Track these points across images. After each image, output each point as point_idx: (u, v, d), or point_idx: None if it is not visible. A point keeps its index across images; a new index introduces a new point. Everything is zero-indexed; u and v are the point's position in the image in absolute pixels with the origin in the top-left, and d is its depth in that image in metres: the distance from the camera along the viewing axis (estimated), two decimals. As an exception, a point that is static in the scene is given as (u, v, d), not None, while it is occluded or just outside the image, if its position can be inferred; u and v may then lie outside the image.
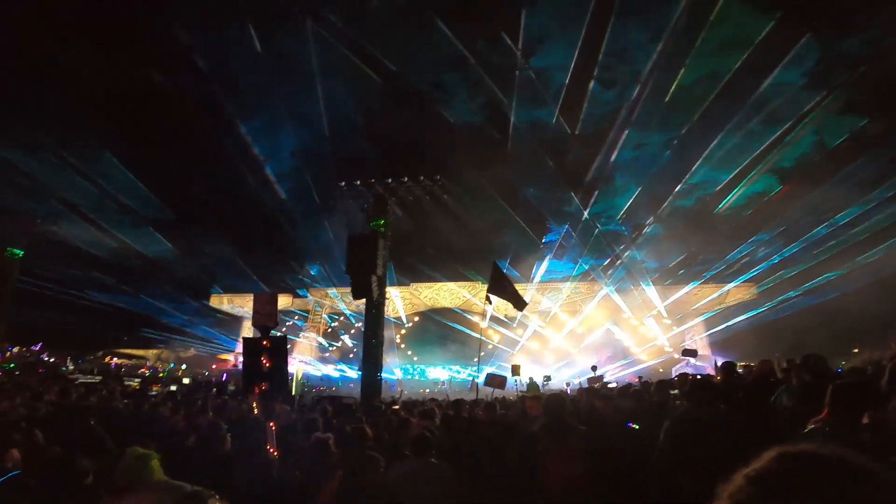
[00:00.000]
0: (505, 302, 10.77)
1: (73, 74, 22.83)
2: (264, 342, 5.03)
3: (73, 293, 26.70)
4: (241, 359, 31.80)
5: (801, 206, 21.88)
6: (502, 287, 10.16)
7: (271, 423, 4.69)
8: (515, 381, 15.87)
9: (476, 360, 12.30)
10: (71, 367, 25.06)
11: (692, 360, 15.01)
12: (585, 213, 26.27)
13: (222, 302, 34.45)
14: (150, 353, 35.25)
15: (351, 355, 31.40)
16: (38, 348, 25.23)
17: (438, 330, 30.75)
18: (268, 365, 4.87)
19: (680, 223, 25.45)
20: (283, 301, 31.63)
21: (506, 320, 30.46)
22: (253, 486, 3.94)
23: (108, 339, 32.32)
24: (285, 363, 5.15)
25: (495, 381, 10.24)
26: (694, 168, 22.93)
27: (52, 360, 26.59)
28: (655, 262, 26.88)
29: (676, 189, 23.94)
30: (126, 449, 2.88)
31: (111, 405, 8.76)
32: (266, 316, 5.51)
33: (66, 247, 25.86)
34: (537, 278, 29.59)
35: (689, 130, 22.00)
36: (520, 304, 10.71)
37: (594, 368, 16.84)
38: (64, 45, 21.45)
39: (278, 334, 5.40)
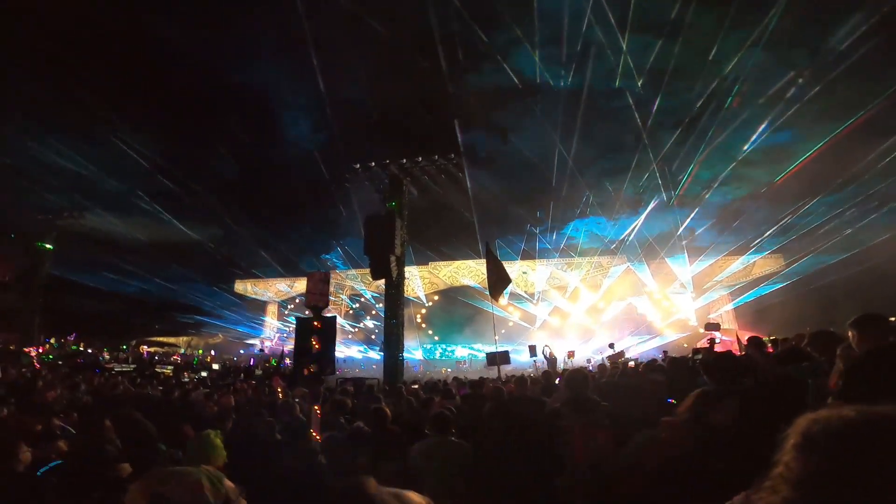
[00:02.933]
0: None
1: (91, 63, 23.05)
2: (315, 323, 4.90)
3: (103, 283, 27.61)
4: (266, 344, 32.59)
5: (835, 170, 20.83)
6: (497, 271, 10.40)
7: (317, 407, 4.63)
8: (533, 360, 15.93)
9: (496, 338, 12.37)
10: (107, 357, 25.98)
11: (717, 334, 14.63)
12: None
13: (246, 288, 35.20)
14: (181, 340, 36.38)
15: (373, 336, 31.81)
16: (72, 338, 26.18)
17: (458, 308, 30.79)
18: (317, 346, 4.76)
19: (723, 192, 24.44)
20: (304, 284, 32.04)
21: (526, 296, 30.32)
22: (296, 471, 3.91)
23: (140, 327, 33.42)
24: (333, 345, 5.05)
25: (497, 358, 10.51)
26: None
27: (88, 350, 27.58)
28: (686, 232, 26.06)
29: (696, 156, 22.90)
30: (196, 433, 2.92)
31: (146, 393, 9.00)
32: (318, 296, 5.35)
33: (93, 238, 26.56)
34: (559, 249, 29.22)
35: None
36: (496, 291, 10.98)
37: (612, 346, 16.67)
38: (84, 37, 21.67)
39: (328, 315, 5.25)
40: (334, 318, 5.23)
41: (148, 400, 7.76)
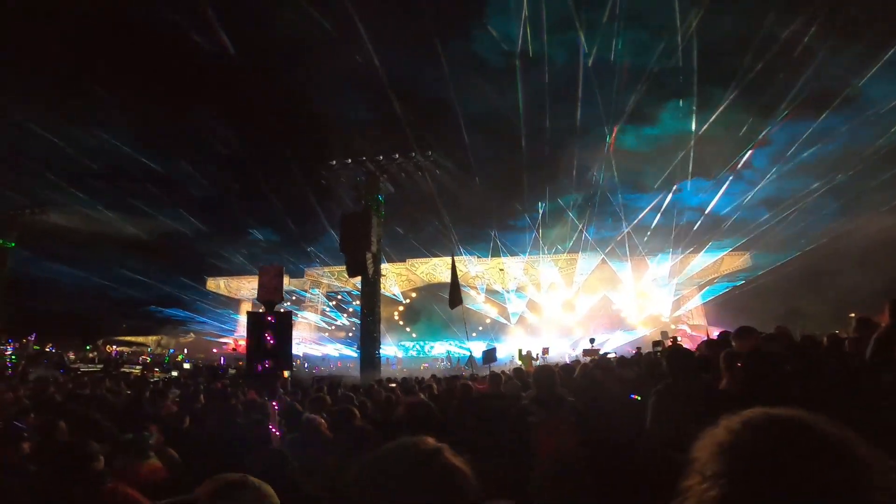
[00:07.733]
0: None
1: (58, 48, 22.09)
2: (269, 318, 4.80)
3: (68, 281, 26.62)
4: (241, 343, 32.01)
5: (794, 168, 21.66)
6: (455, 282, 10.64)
7: (274, 403, 4.58)
8: (511, 356, 16.06)
9: (473, 334, 12.44)
10: (73, 357, 25.10)
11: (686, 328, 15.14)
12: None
13: (219, 286, 34.41)
14: (151, 339, 35.36)
15: (350, 334, 31.52)
16: (33, 339, 25.14)
17: (436, 305, 30.63)
18: (272, 342, 4.66)
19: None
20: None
21: (502, 292, 30.50)
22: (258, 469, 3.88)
23: (107, 326, 32.36)
24: (290, 340, 4.94)
25: (489, 356, 10.36)
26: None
27: (53, 350, 26.58)
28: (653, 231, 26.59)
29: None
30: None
31: (111, 393, 8.74)
32: (272, 290, 5.23)
33: (58, 234, 25.53)
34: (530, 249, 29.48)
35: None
36: (454, 301, 11.19)
37: (592, 341, 16.94)
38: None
39: (283, 310, 5.12)
40: (289, 313, 5.13)
41: (100, 400, 7.56)
